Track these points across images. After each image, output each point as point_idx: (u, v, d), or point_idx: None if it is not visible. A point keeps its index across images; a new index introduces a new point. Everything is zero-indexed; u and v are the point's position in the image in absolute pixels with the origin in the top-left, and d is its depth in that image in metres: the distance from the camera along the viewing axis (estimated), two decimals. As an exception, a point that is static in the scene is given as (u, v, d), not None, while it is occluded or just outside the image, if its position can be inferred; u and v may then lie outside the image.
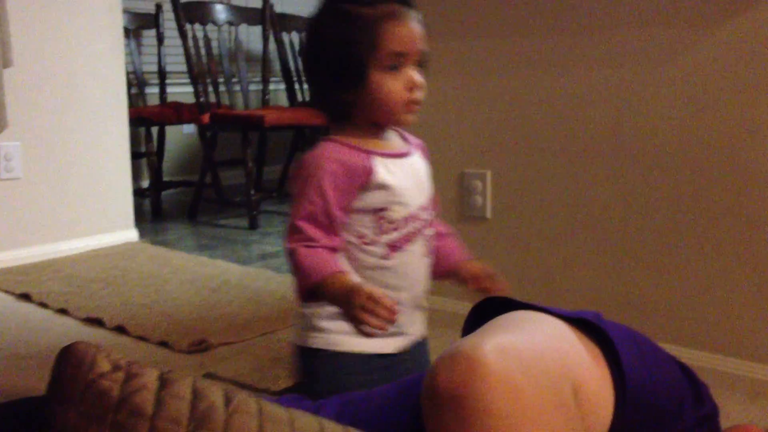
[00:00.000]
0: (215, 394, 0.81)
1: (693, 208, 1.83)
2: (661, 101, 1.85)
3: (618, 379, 0.84)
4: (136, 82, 4.27)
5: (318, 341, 1.24)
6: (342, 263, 1.22)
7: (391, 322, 1.14)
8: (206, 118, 3.80)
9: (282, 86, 4.52)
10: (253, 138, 4.05)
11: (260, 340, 2.12)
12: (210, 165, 3.88)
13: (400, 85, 1.22)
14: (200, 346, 2.04)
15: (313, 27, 1.26)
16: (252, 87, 4.49)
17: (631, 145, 1.91)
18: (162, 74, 4.40)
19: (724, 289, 1.80)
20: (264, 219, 3.85)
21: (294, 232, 1.21)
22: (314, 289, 1.18)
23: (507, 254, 2.17)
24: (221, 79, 4.12)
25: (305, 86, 4.54)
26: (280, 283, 2.65)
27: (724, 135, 1.77)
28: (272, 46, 4.27)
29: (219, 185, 3.92)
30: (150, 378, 0.79)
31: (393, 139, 1.31)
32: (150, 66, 4.45)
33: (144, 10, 4.38)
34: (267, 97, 4.26)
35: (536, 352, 0.80)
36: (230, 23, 4.14)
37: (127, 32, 4.08)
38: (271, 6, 4.24)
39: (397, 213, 1.24)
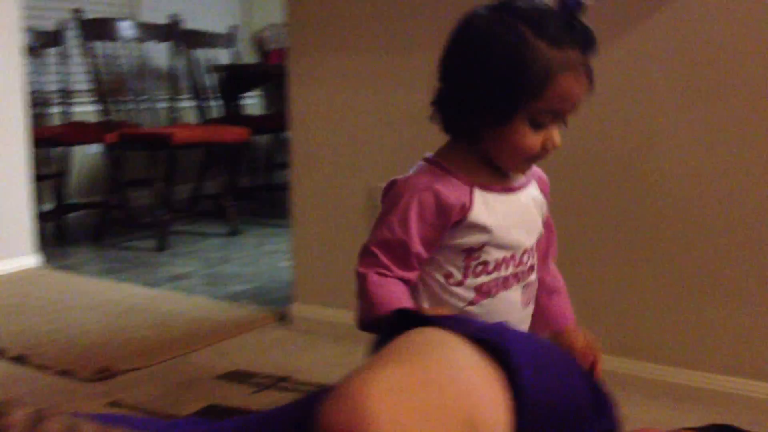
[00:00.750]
0: (89, 429, 0.76)
1: (594, 213, 1.86)
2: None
3: (518, 398, 0.82)
4: (39, 102, 4.11)
5: None
6: (418, 300, 1.11)
7: None
8: (112, 137, 3.69)
9: (191, 104, 4.43)
10: (162, 157, 3.95)
11: (169, 364, 2.04)
12: (117, 185, 3.76)
13: (540, 141, 1.06)
14: (105, 374, 1.95)
15: (478, 31, 1.06)
16: (160, 105, 4.39)
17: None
18: (66, 93, 4.26)
19: (633, 294, 1.83)
20: (174, 240, 3.75)
21: (367, 256, 1.11)
22: (378, 323, 1.06)
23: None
24: (128, 98, 4.01)
25: (214, 103, 4.47)
26: (190, 305, 2.57)
27: (624, 140, 1.80)
28: (182, 63, 4.19)
29: (126, 206, 3.80)
30: (18, 416, 0.73)
31: None
32: (54, 85, 4.29)
33: (47, 28, 4.23)
34: (175, 114, 4.16)
35: (429, 388, 0.75)
36: (137, 40, 4.04)
37: (30, 50, 3.92)
38: (179, 22, 4.16)
39: (491, 255, 1.11)
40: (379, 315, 1.06)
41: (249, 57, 5.41)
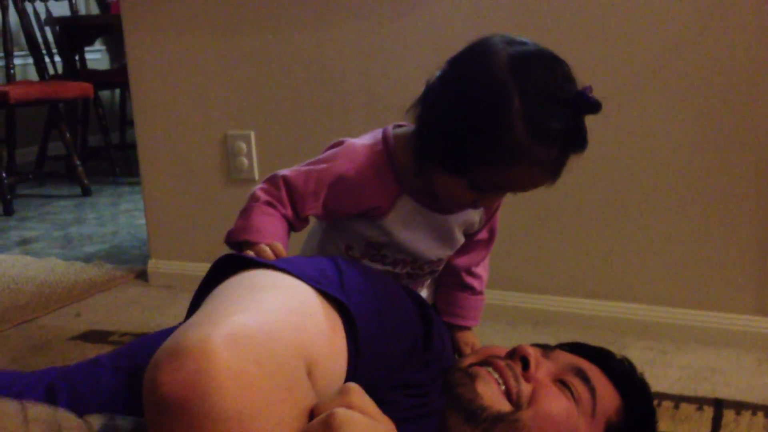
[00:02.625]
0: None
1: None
2: (406, 52, 1.90)
3: (354, 345, 0.82)
4: None
5: None
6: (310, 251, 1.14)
7: None
8: (-58, 98, 3.43)
9: (29, 60, 4.18)
10: (0, 117, 3.72)
11: (19, 329, 1.95)
12: (-48, 150, 3.51)
13: (470, 199, 1.03)
14: (-51, 345, 1.85)
15: (477, 71, 0.96)
16: (-5, 63, 4.12)
17: (383, 96, 1.94)
18: None
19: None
20: (20, 203, 3.56)
21: (271, 183, 1.08)
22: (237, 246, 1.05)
23: (277, 214, 2.15)
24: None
25: (57, 59, 4.23)
26: (41, 268, 2.46)
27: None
28: (14, 18, 3.92)
29: (-35, 172, 3.56)
30: None
31: None
32: None
33: None
34: (12, 71, 3.91)
35: (270, 334, 0.72)
36: (-40, -7, 3.75)
37: None
38: (8, -27, 3.88)
39: (390, 254, 1.12)
40: (243, 240, 1.04)
41: (89, 9, 5.13)
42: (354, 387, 0.72)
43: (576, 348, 1.11)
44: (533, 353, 1.01)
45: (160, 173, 2.28)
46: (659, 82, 1.70)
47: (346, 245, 1.13)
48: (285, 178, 1.07)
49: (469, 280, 1.25)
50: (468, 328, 1.27)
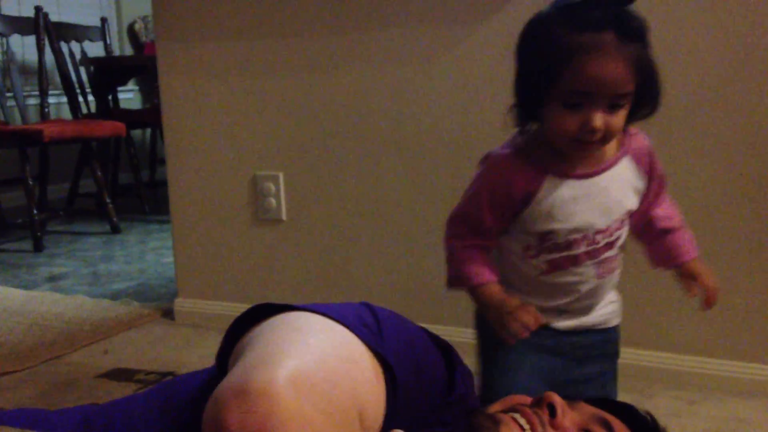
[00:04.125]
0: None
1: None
2: (435, 95, 1.92)
3: (390, 385, 0.85)
4: None
5: None
6: (500, 265, 1.21)
7: (532, 328, 1.12)
8: (-21, 135, 3.51)
9: (64, 99, 4.26)
10: (33, 154, 3.79)
11: (47, 365, 1.97)
12: (-14, 186, 3.57)
13: (576, 124, 1.07)
14: (-23, 380, 1.87)
15: (522, 35, 1.13)
16: (30, 101, 4.21)
17: (413, 139, 1.97)
18: (-75, 91, 4.01)
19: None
20: (50, 239, 3.61)
21: (450, 225, 1.21)
22: (466, 290, 1.19)
23: (304, 254, 2.17)
24: (-6, 94, 3.82)
25: (90, 98, 4.31)
26: (70, 305, 2.49)
27: (493, 126, 1.86)
28: (50, 57, 4.02)
29: (-2, 207, 3.63)
30: None
31: (602, 152, 1.16)
32: None
33: None
34: (46, 110, 4.00)
35: (328, 380, 0.75)
36: (0, 34, 3.85)
37: None
38: (45, 15, 3.98)
39: (561, 237, 1.16)
40: (470, 286, 1.18)
41: (123, 50, 5.24)
42: None
43: (600, 402, 1.11)
44: (560, 401, 1.01)
45: (189, 212, 2.30)
46: (689, 130, 1.70)
47: (522, 247, 1.19)
48: (455, 214, 1.20)
49: (662, 224, 1.26)
50: (688, 262, 1.26)
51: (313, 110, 2.09)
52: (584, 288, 1.20)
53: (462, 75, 1.88)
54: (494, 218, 1.17)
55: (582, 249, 1.17)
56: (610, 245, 1.19)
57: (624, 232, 1.21)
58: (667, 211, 1.26)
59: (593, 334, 1.25)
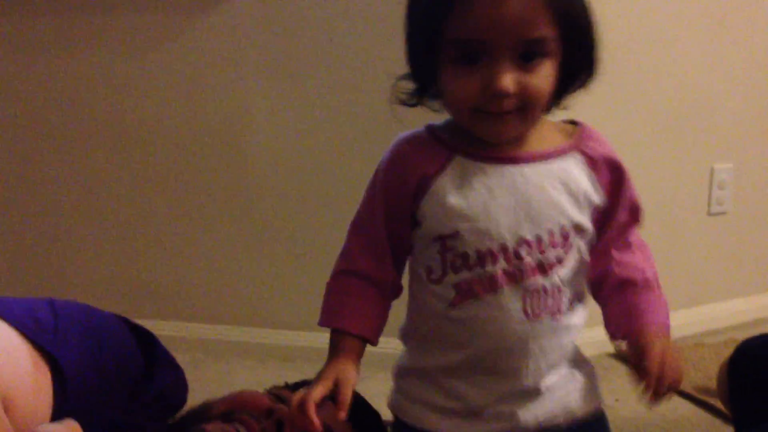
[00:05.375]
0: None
1: (196, 189, 1.90)
2: (157, 85, 1.88)
3: (58, 375, 0.91)
4: None
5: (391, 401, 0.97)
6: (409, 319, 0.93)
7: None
8: None
9: None
10: None
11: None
12: None
13: (476, 87, 0.81)
14: None
15: None
16: None
17: (133, 130, 1.91)
18: None
19: (230, 264, 1.91)
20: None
21: (347, 236, 0.93)
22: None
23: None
24: None
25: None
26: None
27: (219, 117, 1.86)
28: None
29: None
30: None
31: (538, 136, 0.88)
32: None
33: None
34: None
35: None
36: None
37: None
38: None
39: (470, 246, 0.85)
40: (322, 325, 0.91)
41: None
42: (75, 425, 0.85)
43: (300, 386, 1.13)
44: (289, 418, 1.01)
45: None
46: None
47: (426, 269, 0.90)
48: (350, 225, 0.94)
49: (624, 273, 0.92)
50: (641, 329, 0.89)
51: (21, 94, 1.94)
52: (508, 331, 0.87)
53: (184, 67, 1.85)
54: (388, 216, 0.89)
55: (499, 266, 0.86)
56: (542, 269, 0.87)
57: (570, 260, 0.89)
58: (635, 259, 0.93)
59: None
